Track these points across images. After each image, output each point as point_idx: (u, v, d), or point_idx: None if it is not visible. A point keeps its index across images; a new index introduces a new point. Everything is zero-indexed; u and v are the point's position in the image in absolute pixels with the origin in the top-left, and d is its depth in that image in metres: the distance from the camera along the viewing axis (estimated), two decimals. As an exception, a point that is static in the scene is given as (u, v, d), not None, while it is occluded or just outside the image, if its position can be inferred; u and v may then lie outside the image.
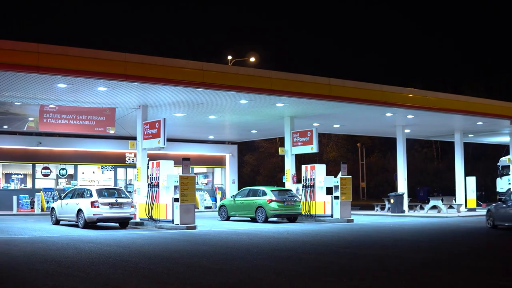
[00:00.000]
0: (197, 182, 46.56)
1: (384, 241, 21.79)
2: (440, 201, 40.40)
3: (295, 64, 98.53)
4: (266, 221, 31.02)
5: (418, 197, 57.62)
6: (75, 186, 40.78)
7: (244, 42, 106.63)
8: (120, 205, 27.19)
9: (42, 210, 39.91)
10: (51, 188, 41.95)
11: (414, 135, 50.16)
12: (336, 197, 32.13)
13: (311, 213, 33.12)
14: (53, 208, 30.11)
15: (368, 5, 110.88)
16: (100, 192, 27.47)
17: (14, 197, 40.14)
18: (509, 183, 45.78)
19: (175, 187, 27.01)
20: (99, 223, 27.91)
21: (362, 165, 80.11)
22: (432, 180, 70.54)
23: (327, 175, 33.38)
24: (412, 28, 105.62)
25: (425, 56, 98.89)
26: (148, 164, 30.04)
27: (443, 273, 14.11)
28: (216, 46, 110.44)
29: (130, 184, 45.06)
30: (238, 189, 45.15)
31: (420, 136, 52.28)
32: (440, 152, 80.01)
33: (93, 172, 46.19)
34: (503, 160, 49.05)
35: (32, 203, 40.49)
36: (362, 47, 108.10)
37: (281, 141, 55.68)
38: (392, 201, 39.95)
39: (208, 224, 30.26)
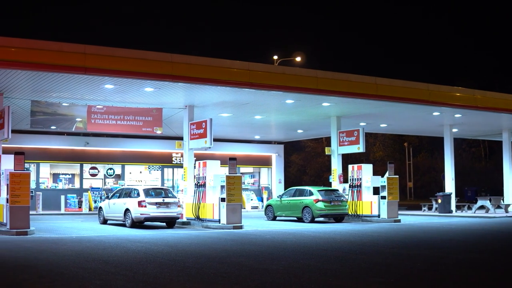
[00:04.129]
0: (244, 182, 46.65)
1: (431, 242, 21.57)
2: (488, 201, 39.97)
3: (340, 64, 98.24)
4: (312, 221, 30.92)
5: (465, 197, 56.96)
6: (122, 186, 41.07)
7: (290, 41, 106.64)
8: (167, 204, 27.29)
9: (90, 209, 40.32)
10: (98, 188, 42.36)
11: (461, 135, 49.66)
12: (383, 197, 31.94)
13: (358, 213, 32.96)
14: (100, 207, 30.39)
15: (415, 8, 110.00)
16: (147, 192, 27.60)
17: (62, 197, 40.60)
18: None
19: (222, 187, 27.08)
20: (146, 223, 28.12)
21: (409, 164, 79.47)
22: (480, 180, 69.58)
23: (374, 174, 33.22)
24: (459, 28, 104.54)
25: (472, 55, 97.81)
26: (194, 164, 30.16)
27: (491, 274, 13.92)
28: (262, 44, 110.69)
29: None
30: (285, 189, 45.14)
31: (468, 135, 51.70)
32: (488, 152, 79.01)
33: (140, 172, 46.57)
34: None
35: (79, 203, 40.92)
36: (409, 46, 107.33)
37: (327, 141, 55.45)
38: (439, 201, 39.59)
39: (255, 224, 30.27)
